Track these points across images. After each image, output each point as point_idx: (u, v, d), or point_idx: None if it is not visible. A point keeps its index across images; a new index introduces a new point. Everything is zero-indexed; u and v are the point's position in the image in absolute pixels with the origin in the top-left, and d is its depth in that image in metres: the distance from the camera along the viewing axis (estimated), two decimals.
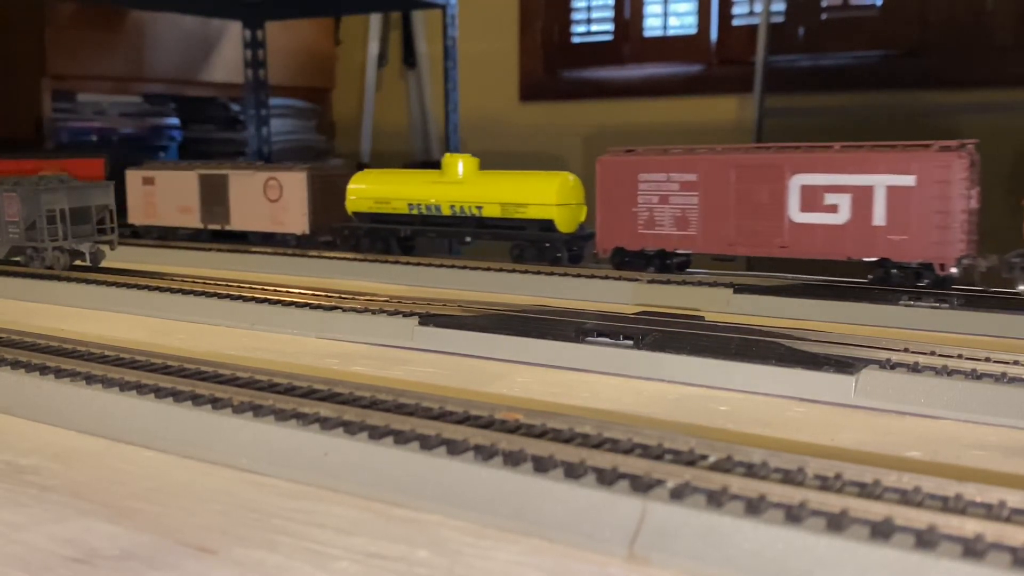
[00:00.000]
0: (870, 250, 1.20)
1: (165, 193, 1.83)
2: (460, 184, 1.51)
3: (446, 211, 1.52)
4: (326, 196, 1.66)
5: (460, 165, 1.52)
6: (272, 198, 1.67)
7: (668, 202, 1.32)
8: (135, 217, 1.89)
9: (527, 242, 1.46)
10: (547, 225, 1.44)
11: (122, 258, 1.46)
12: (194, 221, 1.80)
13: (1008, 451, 0.67)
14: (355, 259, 1.55)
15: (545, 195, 1.44)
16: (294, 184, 1.66)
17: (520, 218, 1.46)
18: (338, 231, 1.64)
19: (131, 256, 1.59)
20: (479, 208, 1.49)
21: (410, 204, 1.55)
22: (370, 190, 1.60)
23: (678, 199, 1.32)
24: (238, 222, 1.75)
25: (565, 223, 1.44)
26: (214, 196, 1.76)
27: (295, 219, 1.68)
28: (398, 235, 1.58)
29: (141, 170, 1.87)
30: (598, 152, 1.42)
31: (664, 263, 1.35)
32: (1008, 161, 2.21)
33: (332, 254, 1.59)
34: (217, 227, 1.77)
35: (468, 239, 1.55)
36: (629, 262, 1.37)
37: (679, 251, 1.34)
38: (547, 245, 1.45)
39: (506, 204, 1.46)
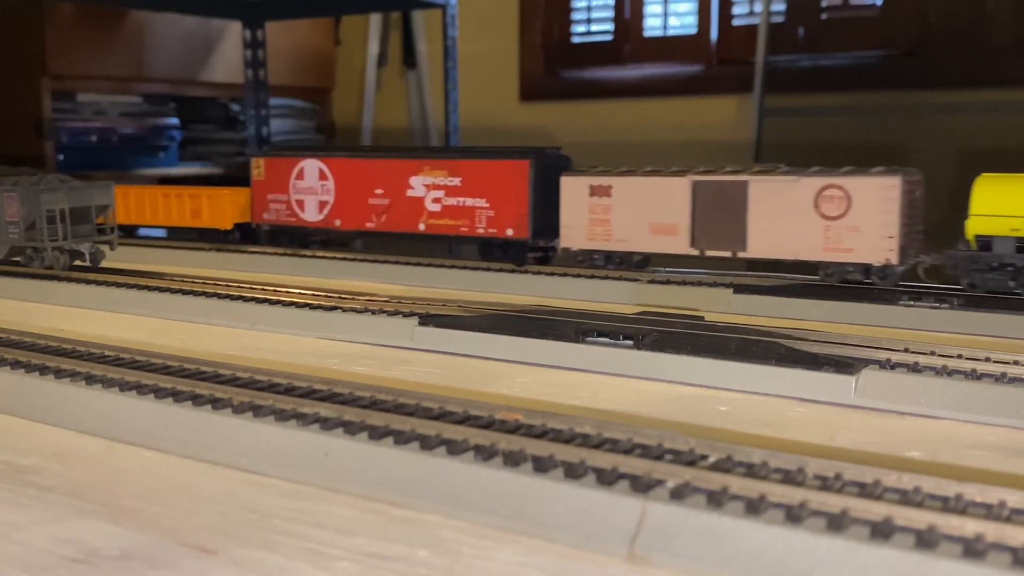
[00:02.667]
0: None
1: (629, 207, 1.34)
2: None
3: None
4: (910, 211, 1.22)
5: None
6: (830, 214, 1.21)
7: None
8: (572, 239, 1.39)
9: None
10: None
11: (122, 258, 1.46)
12: (680, 245, 1.31)
13: (1008, 451, 0.68)
14: (355, 259, 1.54)
15: None
16: (872, 194, 1.18)
17: None
18: (962, 263, 1.15)
19: (131, 256, 1.59)
20: None
21: None
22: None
23: None
24: (761, 247, 1.25)
25: None
26: (720, 211, 1.28)
27: (871, 244, 1.19)
28: None
29: (585, 175, 1.37)
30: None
31: None
32: (1008, 161, 2.21)
33: (332, 254, 1.59)
34: (723, 254, 1.28)
35: None
36: None
37: None
38: None
39: None
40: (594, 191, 1.36)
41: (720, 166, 1.31)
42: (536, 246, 1.44)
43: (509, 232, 1.43)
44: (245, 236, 1.74)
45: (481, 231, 1.46)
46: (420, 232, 1.52)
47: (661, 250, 1.34)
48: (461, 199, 1.48)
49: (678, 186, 1.31)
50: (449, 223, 1.49)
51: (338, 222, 1.60)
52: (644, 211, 1.33)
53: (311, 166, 1.63)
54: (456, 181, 1.48)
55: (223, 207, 1.73)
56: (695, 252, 1.30)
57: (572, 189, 1.38)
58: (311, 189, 1.63)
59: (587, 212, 1.37)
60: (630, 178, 1.34)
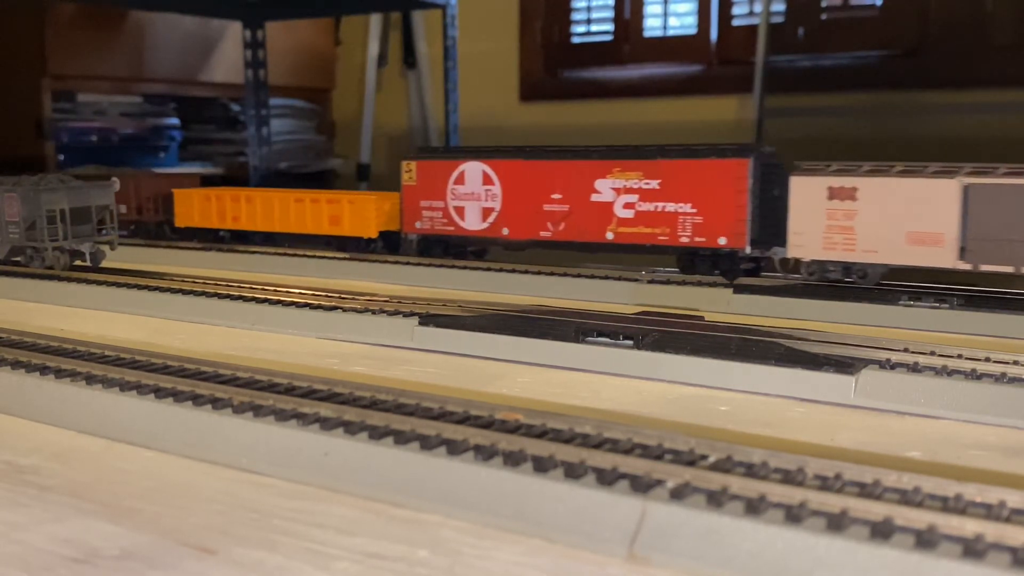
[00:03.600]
0: None
1: (879, 212, 1.16)
2: None
3: None
4: None
5: None
6: None
7: None
8: (805, 248, 1.20)
9: None
10: None
11: (122, 258, 1.46)
12: (945, 258, 1.12)
13: (1008, 451, 0.68)
14: (355, 259, 1.54)
15: None
16: None
17: None
18: None
19: (131, 256, 1.59)
20: None
21: None
22: None
23: None
24: None
25: None
26: (1000, 220, 1.09)
27: None
28: None
29: (822, 175, 1.19)
30: None
31: None
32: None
33: (331, 254, 1.58)
34: (1003, 269, 1.10)
35: None
36: None
37: None
38: None
39: None
40: (834, 193, 1.18)
41: (993, 166, 1.12)
42: (750, 256, 1.28)
43: (721, 241, 1.27)
44: (389, 245, 1.60)
45: (685, 240, 1.29)
46: (607, 241, 1.36)
47: (920, 263, 1.15)
48: (660, 204, 1.31)
49: (944, 189, 1.12)
50: (644, 231, 1.32)
51: (506, 231, 1.45)
52: (899, 217, 1.15)
53: (474, 169, 1.47)
54: (654, 184, 1.31)
55: (367, 214, 1.59)
56: (966, 266, 1.12)
57: (806, 191, 1.20)
58: (473, 195, 1.47)
59: (824, 217, 1.19)
60: (881, 179, 1.16)
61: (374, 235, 1.59)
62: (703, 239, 1.29)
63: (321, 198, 1.65)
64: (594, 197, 1.36)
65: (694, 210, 1.29)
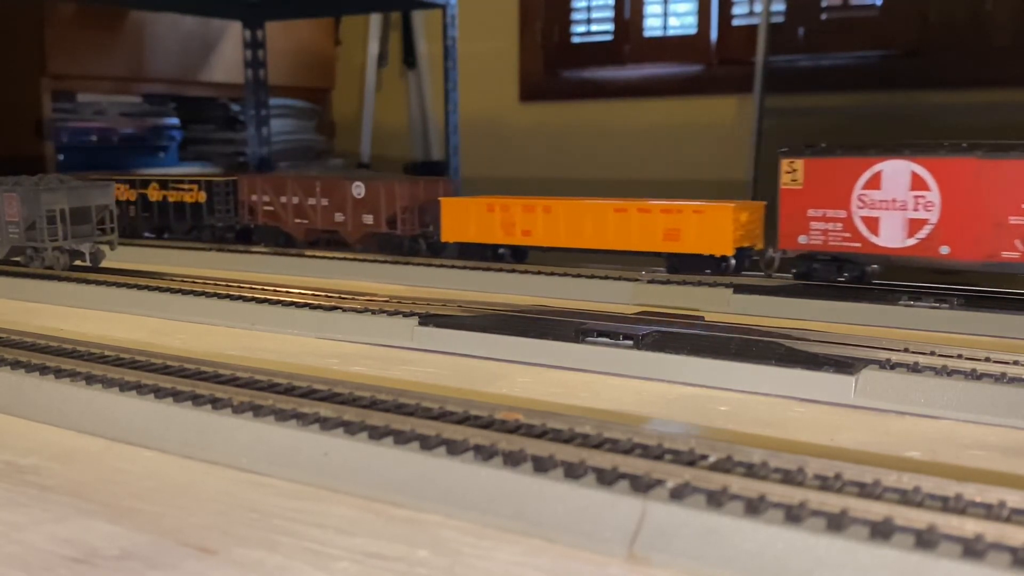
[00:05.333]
0: None
1: None
2: None
3: None
4: None
5: None
6: None
7: None
8: None
9: None
10: None
11: (122, 258, 1.46)
12: None
13: (1008, 451, 0.68)
14: (355, 259, 1.54)
15: None
16: None
17: None
18: None
19: (131, 256, 1.59)
20: None
21: None
22: None
23: None
24: None
25: None
26: None
27: None
28: None
29: None
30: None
31: None
32: None
33: (332, 254, 1.59)
34: None
35: None
36: None
37: None
38: None
39: None
40: None
41: None
42: None
43: None
44: (740, 265, 1.34)
45: None
46: None
47: None
48: None
49: None
50: None
51: (945, 249, 1.14)
52: None
53: (897, 170, 1.16)
54: None
55: (722, 227, 1.31)
56: None
57: None
58: (894, 202, 1.16)
59: None
60: None
61: (729, 252, 1.31)
62: None
63: (653, 208, 1.36)
64: None
65: None
